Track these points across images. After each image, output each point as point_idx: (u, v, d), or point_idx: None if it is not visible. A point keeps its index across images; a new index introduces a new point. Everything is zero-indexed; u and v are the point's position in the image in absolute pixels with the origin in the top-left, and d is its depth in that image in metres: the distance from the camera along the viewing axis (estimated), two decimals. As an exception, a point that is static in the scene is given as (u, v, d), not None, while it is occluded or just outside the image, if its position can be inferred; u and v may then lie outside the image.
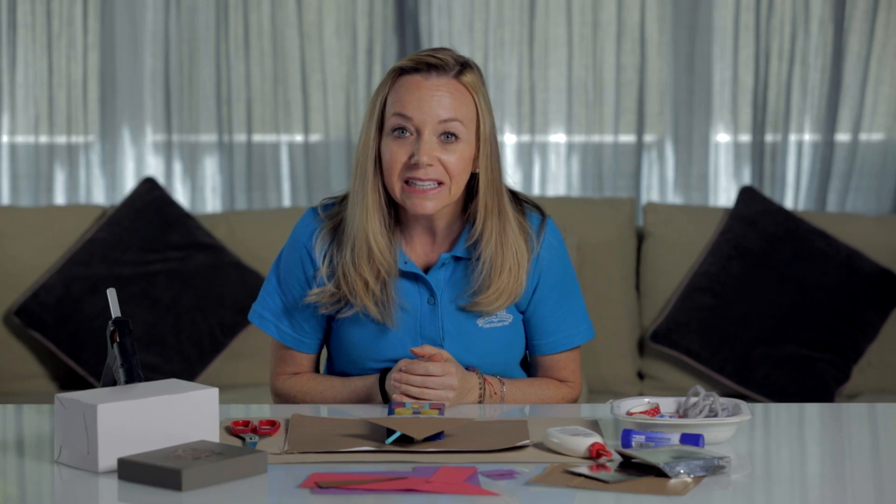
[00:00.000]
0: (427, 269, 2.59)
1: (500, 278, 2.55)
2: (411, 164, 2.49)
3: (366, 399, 2.58)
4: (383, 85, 2.54)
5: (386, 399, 2.56)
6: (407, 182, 2.50)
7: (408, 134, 2.50)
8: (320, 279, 2.57)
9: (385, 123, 2.53)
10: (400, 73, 2.53)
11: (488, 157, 2.53)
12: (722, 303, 4.15)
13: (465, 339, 2.59)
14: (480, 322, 2.59)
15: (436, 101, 2.49)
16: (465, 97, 2.52)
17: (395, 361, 2.56)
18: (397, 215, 2.59)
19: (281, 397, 2.69)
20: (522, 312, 2.64)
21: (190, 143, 4.64)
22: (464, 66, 2.53)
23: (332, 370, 2.72)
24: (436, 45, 4.54)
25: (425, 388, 2.47)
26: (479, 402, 2.56)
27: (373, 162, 2.53)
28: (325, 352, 2.75)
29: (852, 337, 4.11)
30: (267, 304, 2.65)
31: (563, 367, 2.68)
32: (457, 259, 2.58)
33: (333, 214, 2.61)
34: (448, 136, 2.50)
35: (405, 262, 2.57)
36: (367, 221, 2.53)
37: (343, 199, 2.61)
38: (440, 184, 2.50)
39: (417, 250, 2.60)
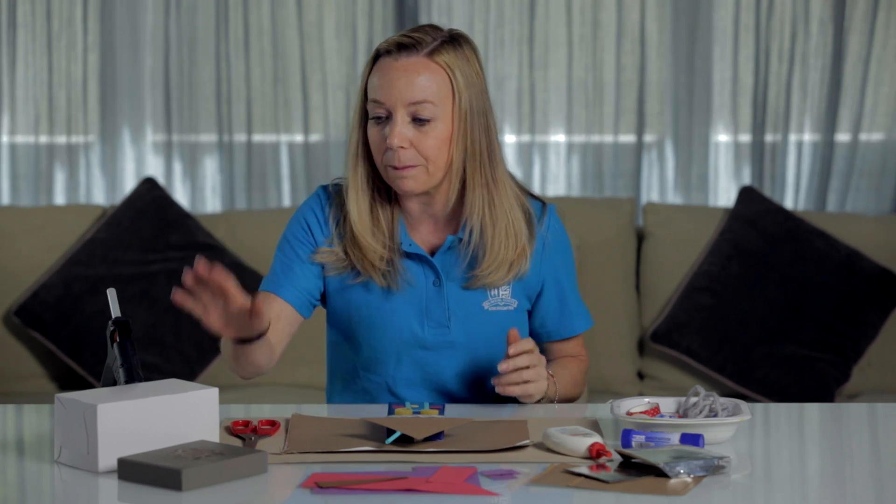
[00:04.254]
0: (433, 253, 2.59)
1: (492, 248, 2.55)
2: (386, 148, 2.50)
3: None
4: (365, 69, 2.55)
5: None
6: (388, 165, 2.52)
7: (383, 118, 2.51)
8: (331, 245, 2.59)
9: (367, 109, 2.54)
10: (377, 55, 2.54)
11: (468, 134, 2.52)
12: (722, 303, 4.15)
13: (471, 321, 2.59)
14: (486, 305, 2.60)
15: (404, 82, 2.49)
16: (437, 76, 2.50)
17: (399, 336, 2.57)
18: (399, 200, 2.60)
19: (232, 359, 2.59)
20: (532, 301, 2.65)
21: (190, 143, 4.64)
22: (444, 42, 2.52)
23: (330, 358, 2.71)
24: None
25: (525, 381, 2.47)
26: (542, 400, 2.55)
27: (356, 145, 2.55)
28: (324, 349, 2.75)
29: (852, 337, 4.12)
30: (269, 273, 2.65)
31: (572, 347, 2.71)
32: (463, 242, 2.58)
33: (341, 191, 2.63)
34: (420, 122, 2.49)
35: (409, 245, 2.57)
36: (350, 205, 2.56)
37: None
38: (415, 166, 2.50)
39: (422, 234, 2.60)
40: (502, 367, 2.46)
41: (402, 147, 2.48)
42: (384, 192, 2.58)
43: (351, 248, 2.57)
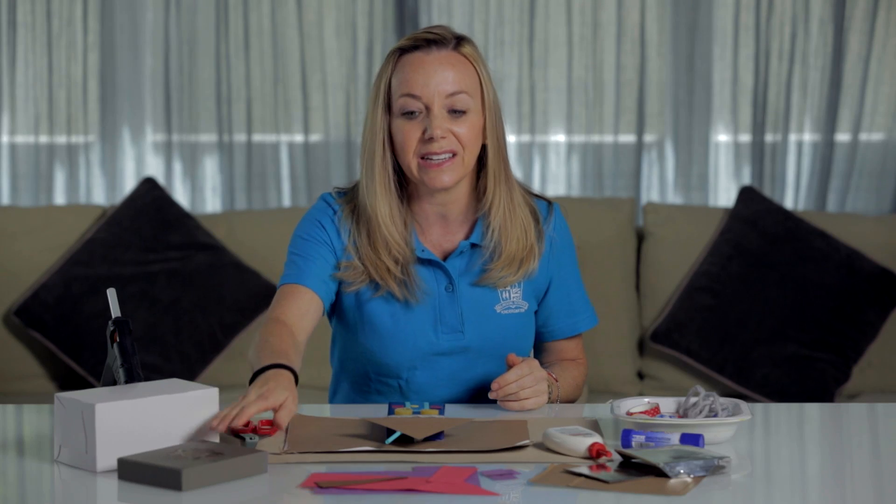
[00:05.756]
0: (445, 258, 2.59)
1: (509, 244, 2.56)
2: (425, 140, 2.49)
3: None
4: (385, 67, 2.54)
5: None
6: (423, 158, 2.51)
7: (417, 113, 2.51)
8: (348, 256, 2.56)
9: (393, 105, 2.53)
10: (400, 53, 2.54)
11: (494, 126, 2.55)
12: (722, 303, 4.15)
13: (484, 325, 2.59)
14: (498, 308, 2.60)
15: (439, 75, 2.50)
16: (466, 68, 2.53)
17: (413, 343, 2.57)
18: (410, 205, 2.59)
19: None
20: (539, 301, 2.66)
21: (190, 143, 4.64)
22: (461, 38, 2.55)
23: (340, 359, 2.70)
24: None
25: (524, 388, 2.47)
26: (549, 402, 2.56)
27: (381, 144, 2.53)
28: (325, 349, 2.74)
29: (852, 337, 4.12)
30: (288, 268, 2.61)
31: (572, 349, 2.72)
32: (474, 247, 2.59)
33: (349, 199, 2.61)
34: (456, 112, 2.51)
35: (422, 251, 2.57)
36: (377, 203, 2.53)
37: (354, 187, 2.61)
38: (454, 155, 2.51)
39: (433, 239, 2.60)
40: (491, 395, 2.47)
41: (443, 137, 2.49)
42: (399, 198, 2.58)
43: (368, 254, 2.55)
